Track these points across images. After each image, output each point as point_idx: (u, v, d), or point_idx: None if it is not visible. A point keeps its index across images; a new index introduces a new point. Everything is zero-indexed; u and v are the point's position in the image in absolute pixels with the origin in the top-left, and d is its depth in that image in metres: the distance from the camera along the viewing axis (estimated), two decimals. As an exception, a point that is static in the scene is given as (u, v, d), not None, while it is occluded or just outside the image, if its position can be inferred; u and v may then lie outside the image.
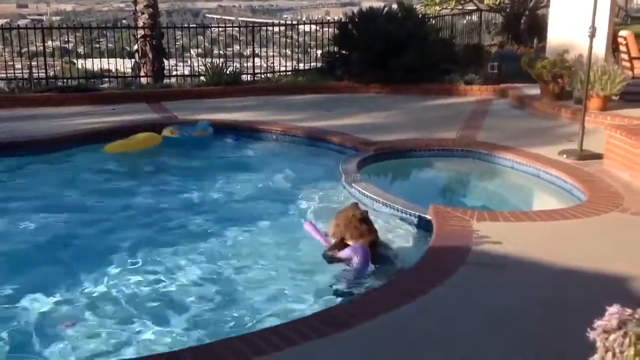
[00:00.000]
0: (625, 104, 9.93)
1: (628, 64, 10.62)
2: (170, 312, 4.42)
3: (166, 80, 13.73)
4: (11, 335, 4.09)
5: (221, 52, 15.44)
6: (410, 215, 5.79)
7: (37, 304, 4.49)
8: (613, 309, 1.98)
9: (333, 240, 5.09)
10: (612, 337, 1.93)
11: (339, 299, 4.52)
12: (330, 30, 14.67)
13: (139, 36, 14.05)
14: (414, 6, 15.01)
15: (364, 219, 5.08)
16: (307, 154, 8.66)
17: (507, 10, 17.47)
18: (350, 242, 4.99)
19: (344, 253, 4.90)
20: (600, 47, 9.98)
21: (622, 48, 10.81)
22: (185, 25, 15.84)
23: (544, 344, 3.49)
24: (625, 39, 10.68)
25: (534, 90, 11.08)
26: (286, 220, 6.23)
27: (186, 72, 14.01)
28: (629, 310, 1.97)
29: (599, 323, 1.97)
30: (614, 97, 9.82)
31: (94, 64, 14.22)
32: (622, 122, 8.61)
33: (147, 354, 3.67)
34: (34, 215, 6.29)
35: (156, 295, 4.67)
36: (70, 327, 4.12)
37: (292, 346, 3.42)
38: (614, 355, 1.92)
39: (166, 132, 8.93)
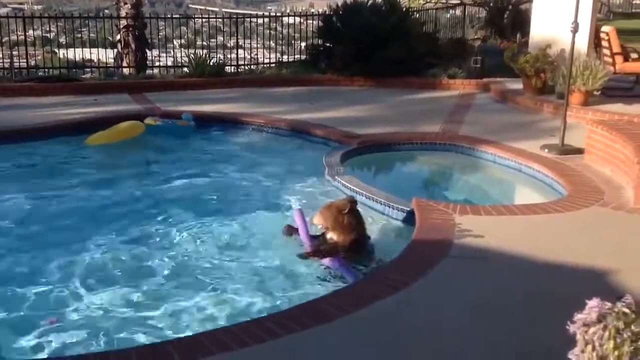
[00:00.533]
0: (606, 99, 10.02)
1: (610, 60, 10.70)
2: (153, 304, 4.40)
3: (149, 71, 13.65)
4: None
5: (204, 43, 15.36)
6: (393, 209, 5.80)
7: (15, 295, 4.46)
8: (593, 303, 2.00)
9: (317, 232, 5.13)
10: (591, 330, 1.96)
11: (323, 291, 4.52)
12: (315, 22, 14.66)
13: (121, 26, 13.94)
14: (398, -1, 15.02)
15: (351, 213, 5.09)
16: (291, 146, 8.65)
17: (491, 4, 17.55)
18: (331, 234, 5.04)
19: (325, 261, 4.92)
20: (582, 43, 10.06)
21: (604, 43, 10.89)
22: (169, 16, 15.73)
23: (525, 336, 3.52)
24: (607, 34, 10.76)
25: (517, 85, 11.14)
26: (268, 213, 6.21)
27: (169, 63, 13.94)
28: (609, 304, 1.99)
29: (579, 316, 2.00)
30: (595, 93, 9.91)
31: (76, 54, 14.09)
32: (603, 117, 8.68)
33: (131, 346, 3.65)
34: (14, 206, 6.24)
35: (138, 287, 4.65)
36: (53, 323, 4.08)
37: (275, 339, 3.42)
38: (593, 348, 1.95)
39: (149, 120, 8.86)
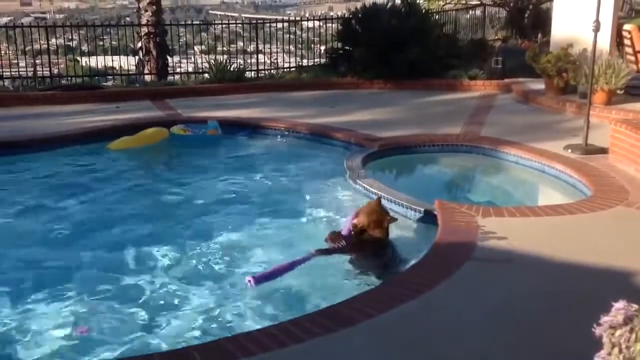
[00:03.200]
0: (630, 98, 9.91)
1: (632, 58, 10.60)
2: (179, 308, 4.44)
3: (170, 78, 13.75)
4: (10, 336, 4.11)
5: (225, 48, 15.45)
6: (416, 211, 5.79)
7: (43, 303, 4.51)
8: (619, 305, 1.98)
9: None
10: (618, 332, 1.93)
11: (345, 295, 4.52)
12: (334, 26, 14.67)
13: (142, 34, 14.07)
14: (418, 1, 14.97)
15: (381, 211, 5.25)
16: (312, 150, 8.66)
17: (511, 4, 17.43)
18: (370, 232, 5.15)
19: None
20: (604, 41, 9.96)
21: (627, 42, 10.79)
22: (189, 22, 15.83)
23: (550, 339, 3.49)
24: (629, 32, 10.65)
25: (539, 85, 11.06)
26: (291, 218, 6.23)
27: (190, 69, 14.04)
28: (635, 306, 1.97)
29: (605, 319, 1.97)
30: (618, 91, 9.80)
31: (98, 62, 14.26)
32: (627, 116, 8.58)
33: (153, 352, 3.67)
34: (38, 214, 6.32)
35: (162, 292, 4.69)
36: (84, 333, 4.10)
37: (297, 343, 3.43)
38: (620, 350, 1.92)
39: (178, 130, 8.90)
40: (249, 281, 4.58)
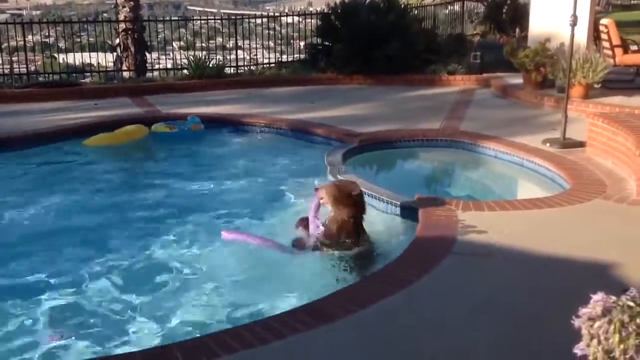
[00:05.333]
0: (607, 92, 10.01)
1: (609, 52, 10.69)
2: (160, 306, 4.42)
3: (149, 74, 13.65)
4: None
5: (204, 44, 15.37)
6: (396, 206, 5.80)
7: (16, 304, 4.45)
8: (597, 297, 2.00)
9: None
10: (597, 324, 1.95)
11: (327, 291, 4.52)
12: (313, 21, 14.65)
13: (120, 30, 13.95)
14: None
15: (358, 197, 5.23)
16: (292, 146, 8.64)
17: (489, -1, 17.52)
18: (333, 211, 5.16)
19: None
20: (581, 36, 10.05)
21: (604, 36, 10.88)
22: (167, 18, 15.74)
23: (530, 332, 3.52)
24: (606, 27, 10.74)
25: (517, 80, 11.13)
26: (272, 213, 6.23)
27: (169, 66, 13.94)
28: (614, 298, 1.99)
29: (583, 311, 1.99)
30: (596, 85, 9.89)
31: (76, 59, 14.11)
32: (604, 110, 8.67)
33: (136, 350, 3.65)
34: (15, 212, 6.26)
35: (144, 289, 4.66)
36: (56, 340, 4.04)
37: (280, 339, 3.42)
38: (599, 342, 1.94)
39: (162, 127, 8.82)
40: (224, 235, 4.92)
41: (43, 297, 4.56)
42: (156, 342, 3.90)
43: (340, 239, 5.06)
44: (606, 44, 10.83)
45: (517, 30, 14.58)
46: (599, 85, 9.96)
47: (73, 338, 4.03)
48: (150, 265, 5.10)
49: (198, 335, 3.82)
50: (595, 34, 11.16)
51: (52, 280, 4.82)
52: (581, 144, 7.44)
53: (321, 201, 5.22)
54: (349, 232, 5.09)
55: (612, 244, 4.75)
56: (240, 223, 5.95)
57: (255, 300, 4.44)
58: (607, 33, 10.70)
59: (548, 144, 7.57)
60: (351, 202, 5.13)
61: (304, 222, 5.39)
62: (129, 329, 4.14)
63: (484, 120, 9.17)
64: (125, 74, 13.55)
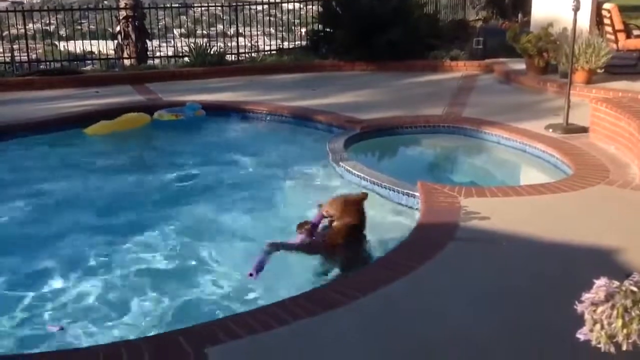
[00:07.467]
0: (609, 77, 9.97)
1: (612, 37, 10.64)
2: (160, 292, 4.42)
3: (150, 62, 13.59)
4: None
5: (205, 32, 15.30)
6: (398, 193, 5.80)
7: (16, 290, 4.46)
8: (600, 282, 2.00)
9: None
10: (600, 309, 1.95)
11: (328, 279, 4.53)
12: (314, 8, 14.58)
13: (121, 17, 13.87)
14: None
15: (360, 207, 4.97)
16: (294, 133, 8.64)
17: (492, -16, 17.42)
18: (336, 223, 4.90)
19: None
20: (584, 21, 10.00)
21: (606, 21, 10.82)
22: (168, 5, 15.65)
23: (533, 317, 3.52)
24: (609, 11, 10.69)
25: (520, 65, 11.09)
26: (272, 200, 6.23)
27: (170, 53, 13.90)
28: (616, 283, 1.99)
29: (586, 296, 1.99)
30: (598, 70, 9.85)
31: (76, 46, 14.07)
32: (607, 95, 8.64)
33: (141, 336, 3.66)
34: (19, 200, 6.26)
35: (144, 277, 4.67)
36: (57, 329, 4.04)
37: (283, 325, 3.43)
38: (602, 327, 1.94)
39: (167, 115, 8.81)
40: (251, 275, 4.50)
41: (45, 284, 4.57)
42: (161, 329, 3.90)
43: (342, 242, 4.84)
44: (609, 29, 10.78)
45: (520, 15, 14.51)
46: (602, 70, 9.91)
47: (74, 326, 4.04)
48: (153, 252, 5.10)
49: (200, 321, 3.83)
50: (597, 19, 11.10)
51: (52, 268, 4.82)
52: (584, 130, 7.42)
53: (325, 214, 4.94)
54: (350, 236, 4.94)
55: (615, 229, 4.75)
56: (243, 209, 5.95)
57: (258, 287, 4.44)
58: (610, 18, 10.65)
59: (551, 130, 7.54)
60: (354, 210, 4.91)
61: (306, 227, 5.03)
62: (131, 316, 4.15)
63: (486, 106, 9.14)
64: (126, 62, 13.49)
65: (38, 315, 4.20)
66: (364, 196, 4.99)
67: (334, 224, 4.97)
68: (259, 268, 4.44)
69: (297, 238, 4.85)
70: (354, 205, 4.90)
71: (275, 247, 4.60)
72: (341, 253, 4.80)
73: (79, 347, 3.68)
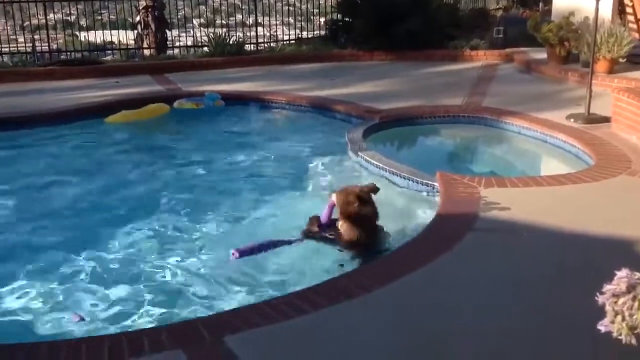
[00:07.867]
0: (632, 67, 9.86)
1: (634, 26, 10.52)
2: (182, 282, 4.45)
3: (169, 52, 13.67)
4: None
5: (224, 21, 15.33)
6: (417, 183, 5.78)
7: (44, 281, 4.49)
8: (622, 273, 1.98)
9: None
10: (621, 300, 1.93)
11: (346, 269, 4.52)
12: (333, -3, 14.54)
13: (141, 7, 13.96)
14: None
15: (360, 206, 4.82)
16: (313, 123, 8.63)
17: (512, -27, 17.27)
18: (340, 222, 4.86)
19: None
20: (606, 10, 9.88)
21: (629, 10, 10.70)
22: (187, -5, 15.69)
23: (553, 308, 3.50)
24: (631, 0, 10.55)
25: (541, 55, 10.99)
26: (291, 190, 6.23)
27: (189, 43, 13.96)
28: (638, 274, 1.97)
29: (608, 287, 1.97)
30: (621, 60, 9.74)
31: (97, 37, 14.17)
32: (630, 85, 8.54)
33: (163, 324, 3.69)
34: (41, 190, 6.32)
35: (163, 268, 4.69)
36: (78, 319, 4.07)
37: (302, 315, 3.44)
38: (623, 318, 1.92)
39: (188, 104, 8.87)
40: (233, 254, 4.60)
41: (69, 272, 4.60)
42: (180, 318, 3.93)
43: (356, 235, 4.80)
44: (631, 18, 10.66)
45: (541, 4, 14.38)
46: (624, 59, 9.80)
47: (100, 310, 4.07)
48: (171, 241, 5.13)
49: (220, 310, 3.85)
50: (620, 8, 10.97)
51: (75, 257, 4.86)
52: (606, 119, 7.34)
53: (337, 202, 4.87)
54: (357, 227, 4.81)
55: (637, 220, 4.70)
56: (261, 198, 5.96)
57: (277, 277, 4.46)
58: (632, 7, 10.52)
59: (572, 120, 7.48)
60: (363, 215, 4.80)
61: (317, 221, 5.01)
62: (153, 305, 4.17)
63: (507, 95, 9.08)
64: (146, 52, 13.58)
65: (59, 304, 4.23)
66: (372, 188, 4.93)
67: (339, 223, 4.91)
68: (244, 253, 4.50)
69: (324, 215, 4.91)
70: (355, 196, 4.80)
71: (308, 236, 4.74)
72: (354, 243, 4.77)
73: (104, 335, 3.71)
